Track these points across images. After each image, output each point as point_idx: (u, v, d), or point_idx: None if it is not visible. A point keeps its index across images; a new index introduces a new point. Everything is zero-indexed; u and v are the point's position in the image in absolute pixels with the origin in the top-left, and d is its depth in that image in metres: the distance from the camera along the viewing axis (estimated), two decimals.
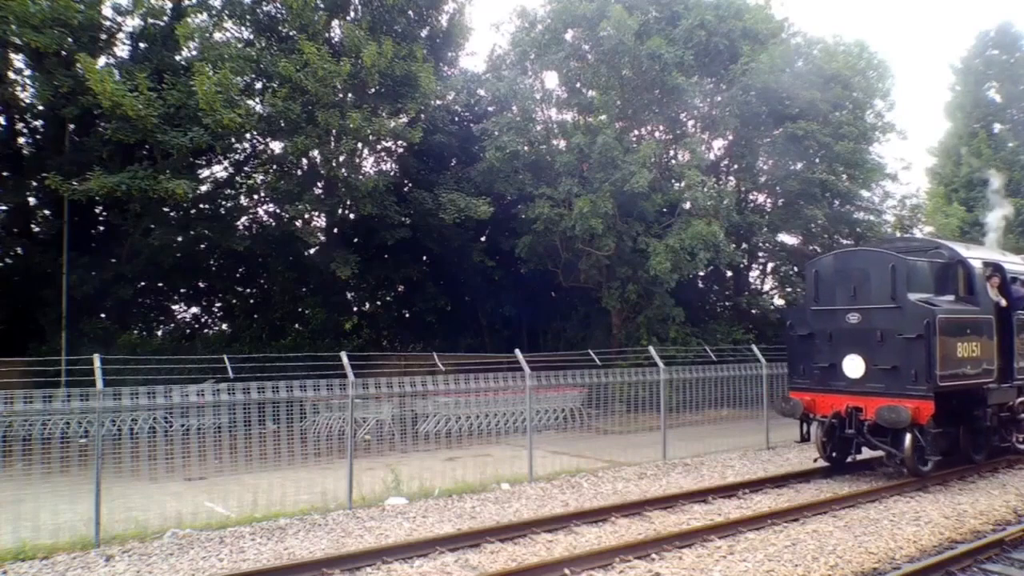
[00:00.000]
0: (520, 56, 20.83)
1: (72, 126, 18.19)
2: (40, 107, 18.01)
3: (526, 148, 20.18)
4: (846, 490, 10.32)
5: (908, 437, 10.31)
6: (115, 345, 18.22)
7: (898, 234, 24.45)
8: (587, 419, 16.72)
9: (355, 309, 26.11)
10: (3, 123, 19.05)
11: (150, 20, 17.85)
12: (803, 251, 23.51)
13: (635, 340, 19.65)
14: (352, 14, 19.59)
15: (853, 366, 10.89)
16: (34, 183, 18.25)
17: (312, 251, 21.97)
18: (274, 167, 20.15)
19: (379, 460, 12.67)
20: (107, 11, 17.34)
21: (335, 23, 19.59)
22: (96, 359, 8.61)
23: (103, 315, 20.14)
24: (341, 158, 18.80)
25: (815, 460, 11.86)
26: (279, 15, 18.95)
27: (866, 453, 11.64)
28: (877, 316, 10.67)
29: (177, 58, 17.96)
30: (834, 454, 11.70)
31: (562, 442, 14.88)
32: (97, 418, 8.74)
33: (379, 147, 21.69)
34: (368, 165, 22.14)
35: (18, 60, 17.58)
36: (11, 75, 17.71)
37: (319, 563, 6.96)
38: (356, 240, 22.67)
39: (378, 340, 25.20)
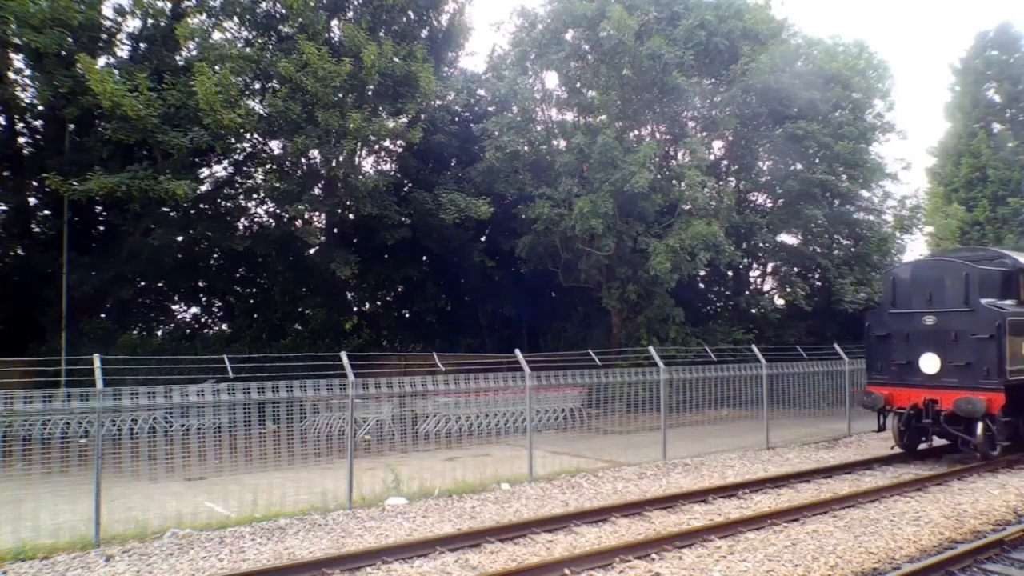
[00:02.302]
0: (520, 56, 20.83)
1: (72, 126, 18.19)
2: (40, 107, 18.02)
3: (526, 148, 20.18)
4: (846, 490, 10.32)
5: (980, 425, 11.60)
6: (115, 345, 18.22)
7: (897, 234, 24.48)
8: (587, 419, 16.72)
9: (355, 309, 26.11)
10: (3, 123, 19.04)
11: (150, 20, 17.85)
12: (803, 251, 23.51)
13: (635, 340, 19.65)
14: (351, 14, 19.59)
15: (929, 363, 12.26)
16: (34, 183, 18.26)
17: (312, 251, 21.98)
18: (274, 167, 20.15)
19: (379, 460, 12.66)
20: (107, 11, 17.35)
21: (335, 23, 19.59)
22: (96, 359, 8.61)
23: (103, 315, 20.15)
24: (341, 158, 18.80)
25: (892, 448, 13.08)
26: (278, 15, 18.96)
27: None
28: (952, 318, 12.06)
29: (177, 58, 17.97)
30: (908, 442, 12.91)
31: (562, 442, 14.88)
32: (97, 418, 8.74)
33: (379, 147, 21.69)
34: (368, 165, 22.17)
35: (18, 60, 17.59)
36: (11, 75, 17.71)
37: (319, 563, 6.96)
38: (356, 240, 22.67)
39: (378, 340, 25.20)
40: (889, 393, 12.68)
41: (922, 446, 13.03)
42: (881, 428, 13.10)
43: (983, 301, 11.80)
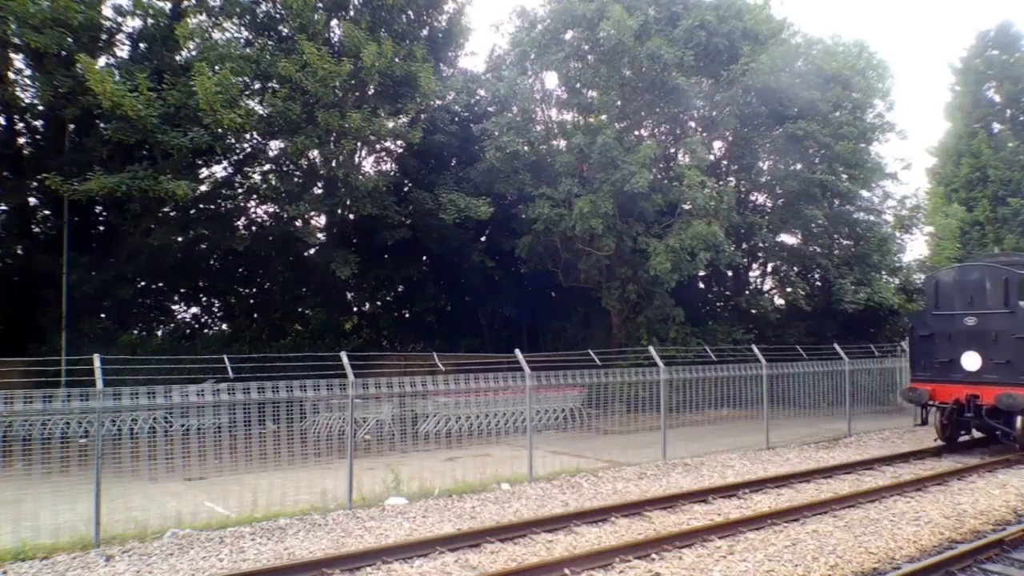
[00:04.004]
0: (520, 56, 20.84)
1: (72, 126, 18.19)
2: (40, 107, 18.01)
3: (526, 148, 20.18)
4: (846, 490, 10.33)
5: (1020, 419, 12.46)
6: (115, 345, 18.22)
7: (897, 234, 24.48)
8: (587, 419, 16.72)
9: (355, 309, 26.11)
10: (3, 123, 19.04)
11: (150, 20, 17.84)
12: (803, 251, 23.50)
13: (635, 340, 19.65)
14: (351, 14, 19.59)
15: (971, 361, 13.14)
16: (34, 183, 18.25)
17: (312, 251, 21.99)
18: (274, 167, 20.15)
19: (379, 460, 12.66)
20: (107, 11, 17.34)
21: (335, 23, 19.59)
22: (96, 359, 8.60)
23: (103, 315, 20.14)
24: (341, 158, 18.81)
25: (935, 440, 13.93)
26: (278, 15, 18.96)
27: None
28: (992, 319, 12.99)
29: (177, 58, 17.95)
30: (949, 435, 13.82)
31: (562, 442, 14.88)
32: (97, 418, 8.74)
33: (379, 147, 21.70)
34: (368, 165, 22.19)
35: (18, 60, 17.57)
36: (11, 75, 17.70)
37: (319, 563, 6.96)
38: (356, 240, 22.68)
39: (378, 340, 25.21)
40: (932, 389, 13.53)
41: (963, 438, 14.02)
42: (923, 422, 14.08)
43: (1022, 304, 12.62)
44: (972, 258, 29.71)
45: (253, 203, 22.17)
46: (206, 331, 23.88)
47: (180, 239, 19.94)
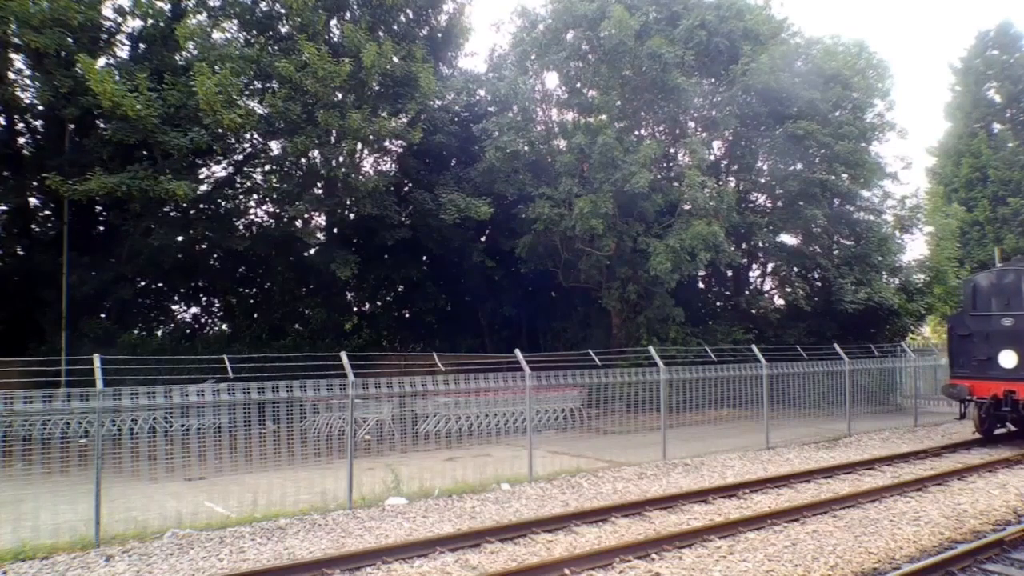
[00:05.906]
0: (520, 56, 20.84)
1: (72, 126, 18.20)
2: (40, 107, 18.03)
3: (526, 148, 20.19)
4: (846, 490, 10.32)
5: None
6: (115, 345, 18.23)
7: (897, 234, 24.47)
8: (587, 419, 16.72)
9: (355, 309, 26.13)
10: (3, 123, 19.05)
11: (150, 20, 17.85)
12: (803, 251, 23.48)
13: (635, 340, 19.65)
14: (350, 14, 19.60)
15: (1008, 359, 13.93)
16: (34, 183, 18.27)
17: (312, 251, 21.99)
18: (274, 167, 20.15)
19: (379, 460, 12.66)
20: (107, 11, 17.36)
21: (334, 23, 19.61)
22: (96, 359, 8.60)
23: (103, 315, 20.16)
24: (341, 158, 18.82)
25: (973, 433, 14.88)
26: (278, 14, 18.97)
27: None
28: None
29: (177, 58, 17.97)
30: (987, 428, 14.69)
31: (562, 442, 14.88)
32: (97, 418, 8.73)
33: (379, 147, 21.72)
34: (368, 165, 22.19)
35: (18, 60, 17.60)
36: (11, 75, 17.71)
37: (319, 563, 6.96)
38: (356, 240, 22.68)
39: (378, 340, 25.22)
40: (971, 385, 14.34)
41: (999, 431, 14.93)
42: (962, 416, 15.01)
43: None
44: (972, 258, 29.66)
45: (253, 203, 22.20)
46: (206, 331, 23.90)
47: (180, 239, 19.95)
